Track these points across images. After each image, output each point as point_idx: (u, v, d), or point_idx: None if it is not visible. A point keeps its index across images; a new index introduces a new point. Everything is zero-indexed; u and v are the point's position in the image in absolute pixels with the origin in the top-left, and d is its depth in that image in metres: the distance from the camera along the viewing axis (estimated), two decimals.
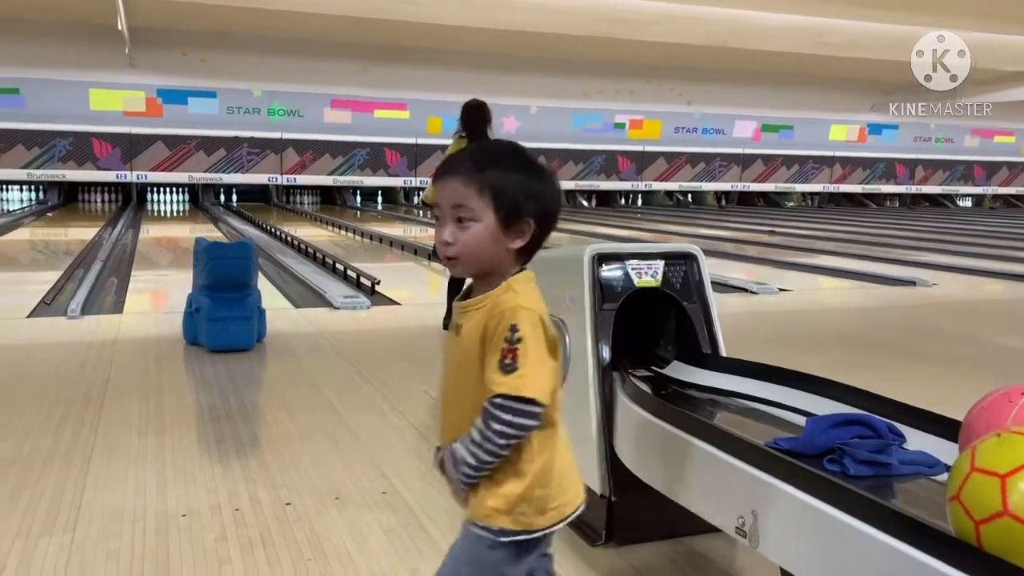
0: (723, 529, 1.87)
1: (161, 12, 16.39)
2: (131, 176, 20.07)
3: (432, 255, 9.44)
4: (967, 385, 4.50)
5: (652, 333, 2.79)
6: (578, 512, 1.50)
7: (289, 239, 11.96)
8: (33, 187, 20.18)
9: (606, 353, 2.54)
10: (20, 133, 18.86)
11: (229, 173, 20.86)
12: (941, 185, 29.05)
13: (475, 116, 5.55)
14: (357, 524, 2.60)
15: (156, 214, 18.98)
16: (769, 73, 22.02)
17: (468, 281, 1.52)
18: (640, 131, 24.62)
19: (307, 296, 7.27)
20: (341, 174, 21.83)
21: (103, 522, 2.59)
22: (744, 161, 25.87)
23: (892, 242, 13.83)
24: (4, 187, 20.11)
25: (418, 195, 20.54)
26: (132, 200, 20.36)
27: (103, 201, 20.88)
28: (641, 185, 25.06)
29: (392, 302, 7.00)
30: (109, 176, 20.04)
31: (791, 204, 27.32)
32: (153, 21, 17.02)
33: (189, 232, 14.31)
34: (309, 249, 10.28)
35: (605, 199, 25.07)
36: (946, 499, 1.33)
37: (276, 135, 21.00)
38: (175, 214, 19.50)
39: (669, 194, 26.13)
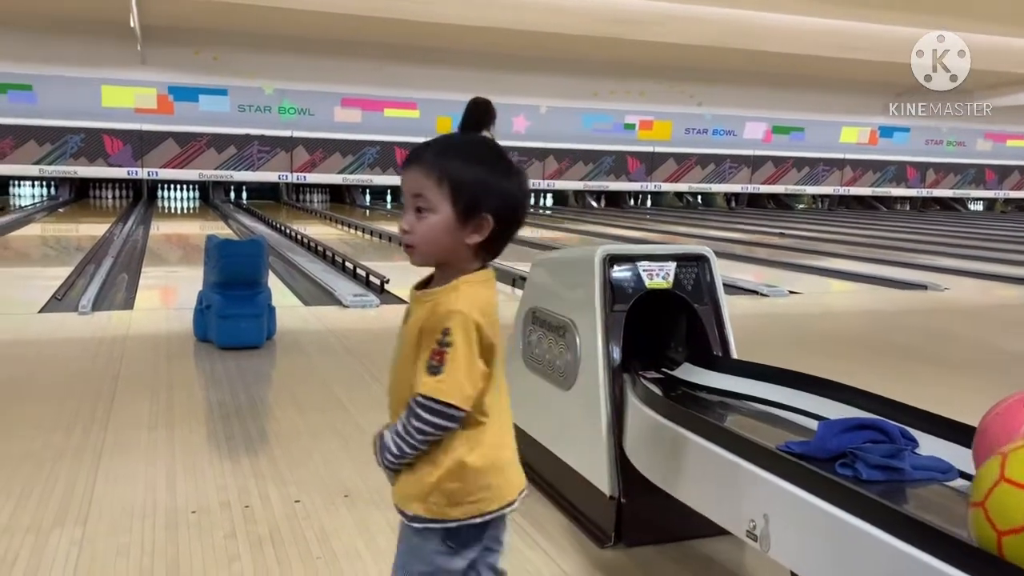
0: (734, 532, 1.86)
1: (173, 10, 16.47)
2: (142, 173, 20.14)
3: None
4: (979, 390, 4.48)
5: (663, 335, 2.79)
6: (508, 509, 1.51)
7: (299, 237, 11.99)
8: (45, 183, 20.28)
9: (617, 354, 2.54)
10: (33, 129, 18.95)
11: (239, 171, 20.91)
12: (952, 188, 28.92)
13: (477, 115, 5.56)
14: (366, 522, 2.60)
15: (166, 211, 19.04)
16: (780, 75, 21.97)
17: None
18: (650, 132, 24.59)
19: (317, 294, 7.28)
20: (351, 173, 21.87)
21: (113, 517, 2.60)
22: (754, 163, 25.80)
23: (903, 245, 13.77)
24: (16, 183, 20.22)
25: None
26: (143, 197, 20.43)
27: (114, 197, 20.95)
28: (650, 186, 25.03)
29: (401, 301, 7.00)
30: (120, 173, 20.11)
31: (801, 206, 27.24)
32: (165, 19, 17.10)
33: (199, 229, 14.35)
34: (319, 247, 10.30)
35: (614, 200, 25.04)
36: (968, 503, 1.32)
37: (287, 133, 21.05)
38: (185, 211, 19.56)
39: (679, 195, 26.09)
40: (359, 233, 14.20)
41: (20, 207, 18.35)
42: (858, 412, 2.01)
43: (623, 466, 2.42)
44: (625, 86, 23.06)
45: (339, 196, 22.48)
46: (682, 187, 25.54)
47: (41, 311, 6.22)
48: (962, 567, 1.27)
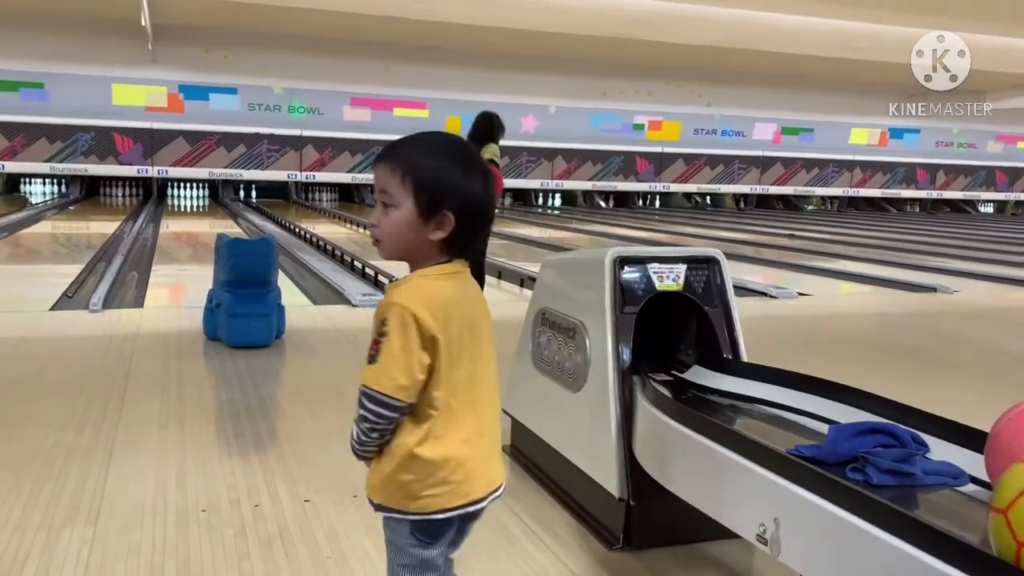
0: (744, 536, 1.86)
1: (184, 9, 16.52)
2: (152, 171, 20.20)
3: None
4: (989, 394, 4.47)
5: (673, 337, 2.79)
6: (473, 508, 1.52)
7: (308, 236, 12.02)
8: (55, 180, 20.37)
9: (626, 356, 2.54)
10: (44, 127, 19.02)
11: (249, 169, 20.96)
12: (963, 190, 28.79)
13: (486, 127, 5.71)
14: (376, 522, 2.55)
15: (176, 209, 19.10)
16: (790, 76, 21.91)
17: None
18: (659, 132, 24.54)
19: (325, 293, 7.30)
20: (360, 172, 21.89)
21: (124, 515, 2.61)
22: (763, 164, 25.73)
23: (913, 247, 13.72)
24: (28, 180, 20.32)
25: None
26: (153, 195, 20.50)
27: (124, 195, 21.03)
28: (659, 186, 24.98)
29: None
30: (130, 171, 20.17)
31: (810, 207, 27.16)
32: (176, 18, 17.16)
33: (208, 228, 14.40)
34: (328, 246, 10.33)
35: (623, 200, 24.99)
36: (989, 506, 1.31)
37: (296, 132, 21.09)
38: (195, 209, 19.62)
39: (687, 196, 26.03)
40: (368, 232, 14.17)
41: (31, 204, 18.44)
42: (869, 416, 2.01)
43: (632, 468, 2.42)
44: (634, 86, 23.03)
45: (348, 195, 22.51)
46: (691, 188, 25.48)
47: (52, 308, 6.25)
48: (975, 574, 1.26)
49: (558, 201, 24.72)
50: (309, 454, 3.21)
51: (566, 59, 20.51)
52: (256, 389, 4.17)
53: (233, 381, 4.30)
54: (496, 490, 1.57)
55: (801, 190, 26.62)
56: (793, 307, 7.53)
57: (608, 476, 2.48)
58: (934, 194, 28.41)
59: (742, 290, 7.32)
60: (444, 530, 1.54)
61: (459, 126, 21.57)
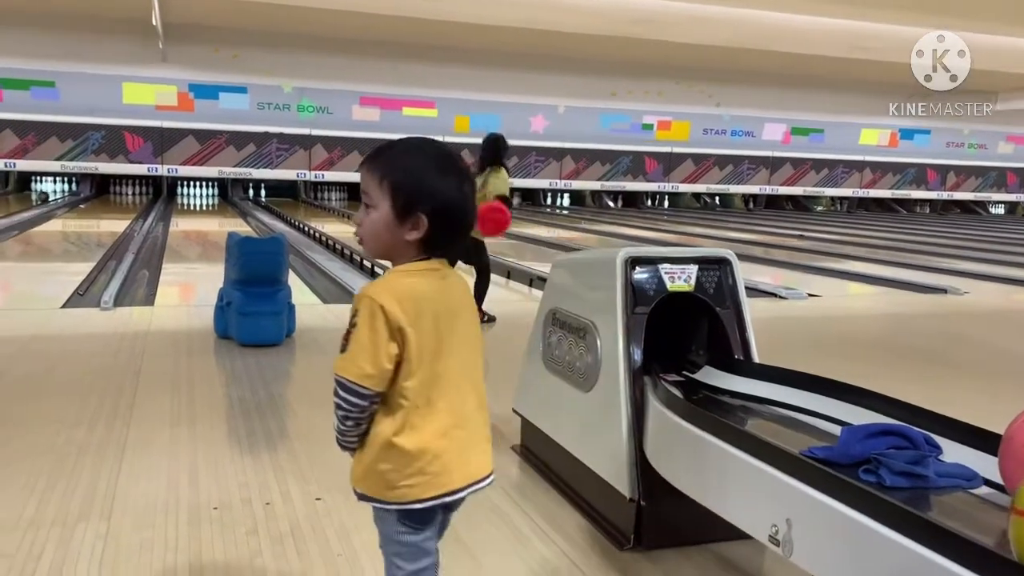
0: (755, 537, 1.86)
1: (194, 8, 16.58)
2: (162, 170, 20.27)
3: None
4: (999, 396, 4.45)
5: (684, 338, 2.79)
6: (451, 498, 1.56)
7: (317, 235, 12.04)
8: (66, 179, 20.46)
9: (637, 357, 2.54)
10: (55, 126, 19.11)
11: (258, 168, 21.01)
12: (974, 191, 28.66)
13: (495, 149, 5.84)
14: None
15: (186, 208, 19.17)
16: (799, 76, 21.84)
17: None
18: (668, 132, 24.50)
19: (335, 292, 7.32)
20: None
21: (137, 512, 2.63)
22: (773, 164, 25.66)
23: (923, 248, 13.67)
24: (38, 178, 20.42)
25: None
26: (162, 193, 20.57)
27: (134, 194, 21.12)
28: (668, 187, 24.94)
29: None
30: (140, 169, 20.25)
31: (820, 208, 27.08)
32: (186, 17, 17.22)
33: (218, 226, 14.45)
34: (337, 245, 10.35)
35: (631, 200, 24.97)
36: (1010, 508, 1.31)
37: (305, 131, 21.13)
38: (204, 208, 19.69)
39: (696, 196, 25.99)
40: None
41: (35, 203, 18.52)
42: (881, 418, 2.01)
43: (643, 469, 2.42)
44: (643, 86, 23.00)
45: (357, 194, 21.94)
46: (700, 188, 25.44)
47: (63, 306, 6.29)
48: (986, 575, 1.26)
49: (567, 201, 24.70)
50: (320, 452, 3.22)
51: (575, 59, 20.50)
52: (266, 387, 4.18)
53: (243, 379, 4.31)
54: (479, 481, 1.61)
55: (811, 191, 26.54)
56: (803, 308, 7.51)
57: (619, 476, 2.48)
58: (944, 195, 28.29)
59: (752, 291, 7.26)
60: (429, 517, 1.59)
61: (468, 126, 21.63)
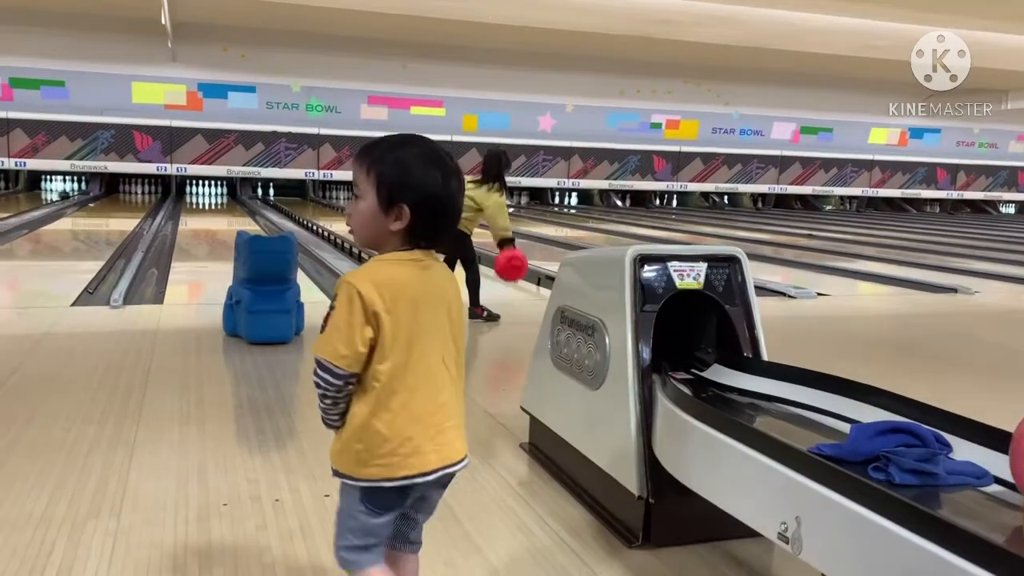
0: (764, 534, 1.86)
1: (203, 7, 16.62)
2: (171, 169, 20.34)
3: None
4: (1010, 395, 4.44)
5: (693, 335, 2.78)
6: (420, 480, 1.62)
7: (325, 234, 12.06)
8: (76, 178, 20.55)
9: (646, 354, 2.54)
10: (64, 125, 19.20)
11: (267, 167, 21.07)
12: (984, 191, 28.52)
13: (497, 164, 5.95)
14: None
15: (195, 207, 19.24)
16: (808, 74, 21.77)
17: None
18: (676, 131, 24.45)
19: None
20: None
21: (147, 509, 2.64)
22: (782, 163, 25.59)
23: (933, 248, 13.62)
24: (48, 178, 20.51)
25: None
26: (171, 192, 20.66)
27: (143, 193, 21.21)
28: (676, 186, 24.90)
29: None
30: (150, 168, 20.33)
31: (829, 208, 27.00)
32: (195, 16, 17.27)
33: (227, 225, 14.49)
34: (345, 244, 10.36)
35: (640, 199, 24.94)
36: None
37: (313, 131, 21.18)
38: (213, 207, 19.75)
39: (705, 195, 25.94)
40: None
41: (51, 201, 18.62)
42: (891, 416, 2.00)
43: (652, 466, 2.42)
44: (652, 85, 22.95)
45: None
46: (708, 187, 25.39)
47: (73, 304, 6.31)
48: (997, 573, 1.26)
49: (575, 200, 24.69)
50: (328, 451, 3.22)
51: (583, 58, 20.48)
52: (276, 386, 4.19)
53: (253, 377, 4.33)
54: (453, 465, 1.67)
55: (820, 190, 26.46)
56: (812, 307, 7.49)
57: (628, 474, 2.48)
58: (954, 194, 28.16)
59: (761, 290, 7.25)
60: (393, 501, 1.65)
61: (476, 125, 21.64)
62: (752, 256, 2.93)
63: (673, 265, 2.61)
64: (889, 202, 27.64)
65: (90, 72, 18.97)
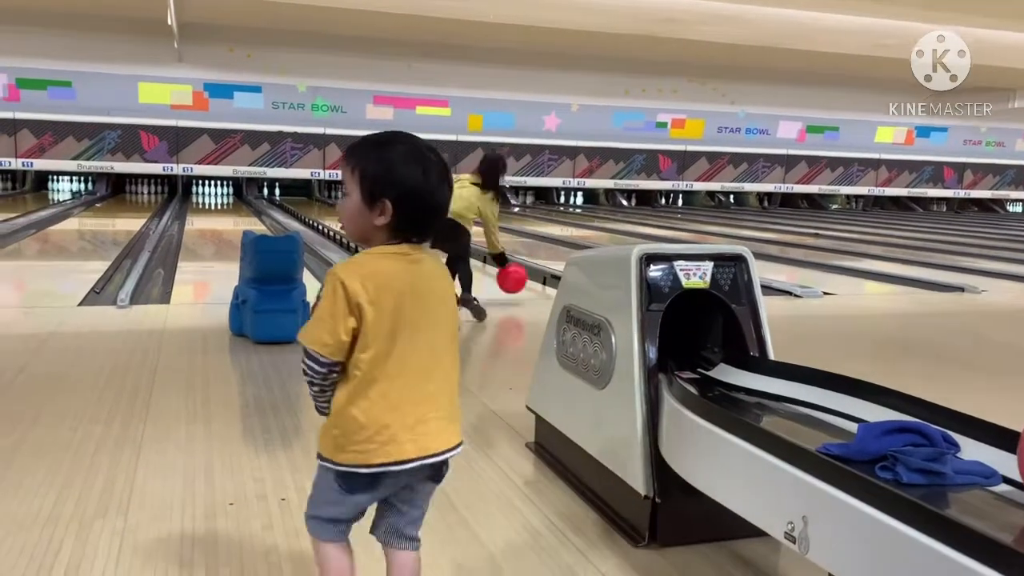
0: (771, 534, 1.85)
1: (209, 8, 16.63)
2: (177, 169, 20.37)
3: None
4: (1020, 394, 4.42)
5: (699, 335, 2.78)
6: (396, 468, 1.65)
7: (331, 234, 12.07)
8: (82, 178, 20.61)
9: (652, 354, 2.54)
10: (71, 125, 19.25)
11: (273, 167, 21.09)
12: (991, 190, 28.42)
13: (495, 169, 6.02)
14: None
15: (201, 206, 19.26)
16: (814, 73, 21.70)
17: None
18: (682, 130, 24.40)
19: None
20: None
21: (154, 508, 2.64)
22: (788, 162, 25.53)
23: (939, 247, 13.58)
24: (55, 178, 20.57)
25: None
26: (178, 192, 20.69)
27: (149, 193, 21.24)
28: (682, 185, 24.86)
29: None
30: (156, 168, 20.36)
31: (835, 207, 26.93)
32: (201, 16, 17.28)
33: (233, 225, 14.52)
34: (351, 244, 10.36)
35: (645, 199, 24.90)
36: None
37: (319, 130, 21.19)
38: (219, 207, 19.78)
39: (711, 195, 25.89)
40: None
41: (58, 201, 18.68)
42: (898, 415, 1.99)
43: (658, 465, 2.42)
44: (657, 84, 22.92)
45: None
46: (714, 186, 25.33)
47: (80, 304, 6.33)
48: (1006, 573, 1.25)
49: (580, 199, 24.66)
50: None
51: (588, 57, 20.44)
52: (282, 385, 4.20)
53: (259, 376, 4.33)
54: (438, 454, 1.70)
55: (826, 189, 26.39)
56: (819, 306, 7.48)
57: (634, 473, 2.47)
58: (961, 193, 28.05)
59: (767, 289, 7.24)
60: (366, 486, 1.69)
61: (481, 124, 21.64)
62: (758, 255, 2.93)
63: (679, 264, 2.61)
64: (896, 201, 27.56)
65: (96, 72, 19.01)
